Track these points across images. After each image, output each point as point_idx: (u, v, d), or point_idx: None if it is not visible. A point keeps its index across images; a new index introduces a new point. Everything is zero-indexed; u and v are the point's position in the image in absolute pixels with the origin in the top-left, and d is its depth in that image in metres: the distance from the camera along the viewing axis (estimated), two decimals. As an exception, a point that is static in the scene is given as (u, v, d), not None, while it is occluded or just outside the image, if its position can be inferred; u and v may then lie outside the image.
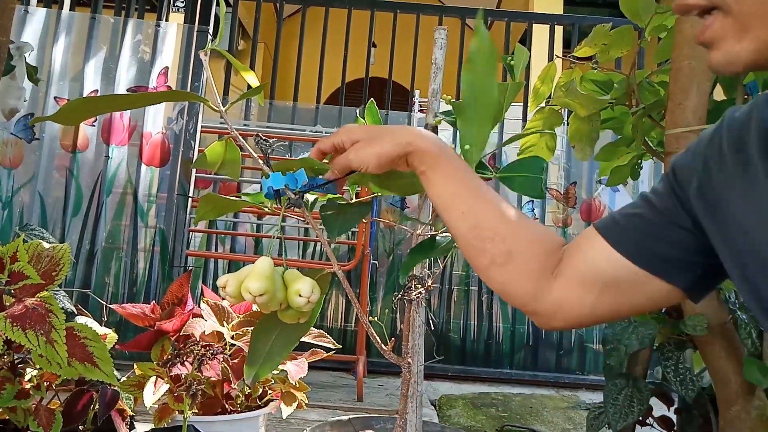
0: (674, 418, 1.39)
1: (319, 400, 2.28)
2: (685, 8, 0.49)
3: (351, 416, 1.22)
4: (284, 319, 0.81)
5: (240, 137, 0.76)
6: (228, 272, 3.07)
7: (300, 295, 0.73)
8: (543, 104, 1.57)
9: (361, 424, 1.22)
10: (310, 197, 0.91)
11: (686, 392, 1.20)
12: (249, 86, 0.81)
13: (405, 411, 0.91)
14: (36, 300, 0.93)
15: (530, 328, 3.06)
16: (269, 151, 0.77)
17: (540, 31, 3.56)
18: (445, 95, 1.08)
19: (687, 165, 0.58)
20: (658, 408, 1.37)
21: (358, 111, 3.24)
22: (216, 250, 3.08)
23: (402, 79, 3.44)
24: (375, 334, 0.88)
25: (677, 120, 1.30)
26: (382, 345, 0.88)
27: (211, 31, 2.75)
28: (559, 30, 3.41)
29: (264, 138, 0.74)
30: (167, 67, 2.75)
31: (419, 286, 0.90)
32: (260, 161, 0.76)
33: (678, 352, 1.26)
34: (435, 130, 0.93)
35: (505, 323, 3.05)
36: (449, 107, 1.03)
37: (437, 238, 0.86)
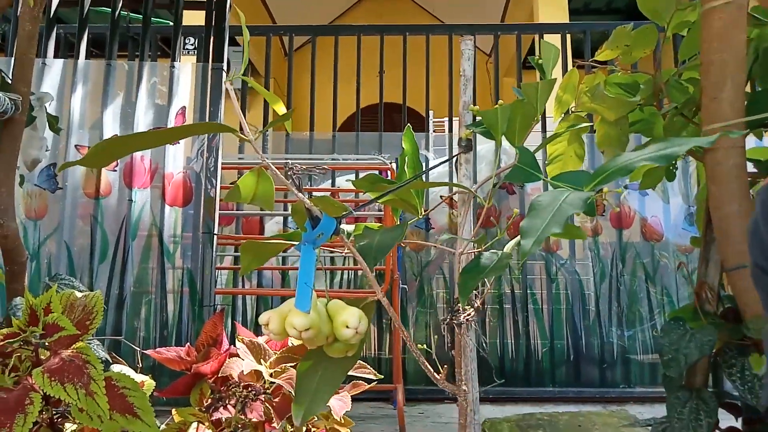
0: (741, 429, 1.30)
1: (361, 433, 2.22)
2: None
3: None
4: (331, 354, 0.77)
5: (272, 166, 0.73)
6: (256, 307, 3.05)
7: (347, 327, 0.70)
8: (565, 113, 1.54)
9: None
10: (348, 227, 0.88)
11: (757, 401, 1.12)
12: (273, 115, 0.78)
13: (464, 442, 0.85)
14: (72, 351, 0.90)
15: (569, 342, 2.96)
16: (297, 180, 0.74)
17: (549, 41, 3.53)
18: (472, 107, 1.05)
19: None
20: (723, 419, 1.29)
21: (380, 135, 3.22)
22: (243, 285, 3.06)
23: (414, 103, 3.44)
24: (427, 364, 0.83)
25: (713, 115, 1.25)
26: (435, 374, 0.84)
27: (225, 67, 2.78)
28: (567, 40, 3.38)
29: (299, 168, 0.71)
30: (184, 107, 2.76)
31: (468, 307, 0.85)
32: (295, 190, 0.73)
33: (742, 357, 1.18)
34: (469, 141, 0.89)
35: (543, 339, 2.96)
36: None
37: (482, 255, 0.81)
